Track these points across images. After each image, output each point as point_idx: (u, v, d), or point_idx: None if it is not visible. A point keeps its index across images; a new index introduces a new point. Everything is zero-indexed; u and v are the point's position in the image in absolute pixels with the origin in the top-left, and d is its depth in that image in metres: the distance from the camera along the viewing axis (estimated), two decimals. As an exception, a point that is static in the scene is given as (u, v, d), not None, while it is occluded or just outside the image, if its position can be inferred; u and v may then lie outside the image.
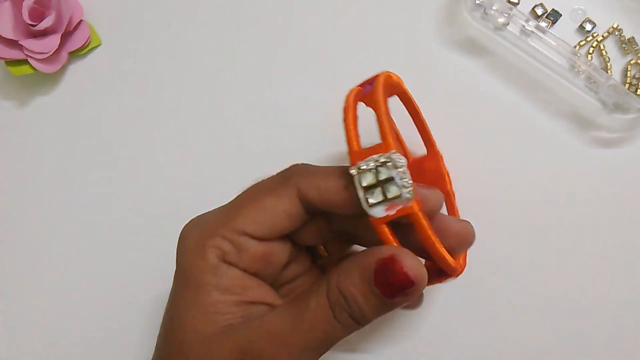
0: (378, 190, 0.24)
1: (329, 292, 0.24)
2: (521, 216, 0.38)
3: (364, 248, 0.27)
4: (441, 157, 0.37)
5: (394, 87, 0.31)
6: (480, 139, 0.39)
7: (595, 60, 0.39)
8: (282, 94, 0.40)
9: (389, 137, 0.25)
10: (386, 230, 0.25)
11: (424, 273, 0.24)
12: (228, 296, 0.25)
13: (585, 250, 0.37)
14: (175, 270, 0.27)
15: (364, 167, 0.25)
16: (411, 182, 0.24)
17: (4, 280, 0.40)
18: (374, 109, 0.26)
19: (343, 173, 0.26)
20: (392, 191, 0.24)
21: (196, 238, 0.26)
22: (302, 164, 0.28)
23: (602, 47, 0.39)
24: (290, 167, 0.28)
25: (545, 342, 0.37)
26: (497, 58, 0.39)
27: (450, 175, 0.37)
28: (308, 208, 0.27)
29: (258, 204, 0.26)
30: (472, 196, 0.37)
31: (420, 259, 0.24)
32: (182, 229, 0.28)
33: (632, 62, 0.38)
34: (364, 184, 0.24)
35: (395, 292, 0.24)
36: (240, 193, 0.28)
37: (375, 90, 0.26)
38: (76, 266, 0.40)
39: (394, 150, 0.24)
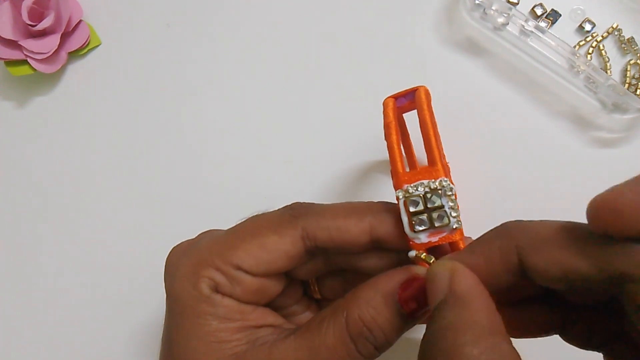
0: (425, 217, 0.24)
1: (349, 326, 0.24)
2: (519, 216, 0.38)
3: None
4: (449, 169, 0.37)
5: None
6: (479, 139, 0.39)
7: (594, 60, 0.39)
8: (282, 96, 0.40)
9: (439, 162, 0.24)
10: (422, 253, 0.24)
11: None
12: (228, 324, 0.25)
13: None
14: (167, 298, 0.26)
15: (412, 191, 0.24)
16: (459, 211, 0.24)
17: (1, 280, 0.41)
18: (421, 131, 0.25)
19: (353, 212, 0.26)
20: (441, 219, 0.24)
21: (188, 267, 0.25)
22: (305, 203, 0.27)
23: (601, 47, 0.39)
24: (293, 206, 0.27)
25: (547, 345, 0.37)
26: (497, 58, 0.39)
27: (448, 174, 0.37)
28: (311, 249, 0.26)
29: (259, 240, 0.25)
30: (470, 195, 0.37)
31: None
32: (170, 254, 0.27)
33: (632, 62, 0.38)
34: (412, 209, 0.24)
35: (421, 308, 0.24)
36: (239, 223, 0.27)
37: (420, 109, 0.25)
38: (72, 266, 0.40)
39: (444, 177, 0.24)
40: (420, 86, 0.27)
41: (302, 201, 0.27)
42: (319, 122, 0.40)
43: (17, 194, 0.41)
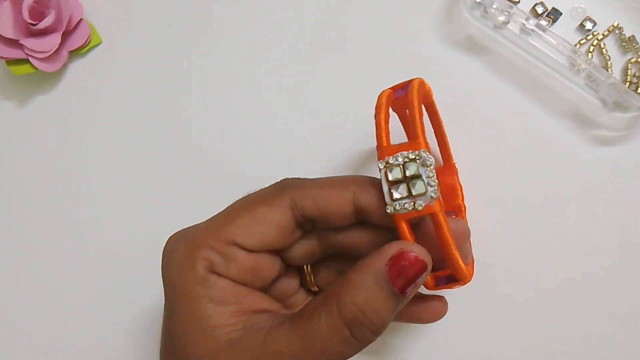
0: (403, 186, 0.25)
1: (343, 312, 0.24)
2: (520, 215, 0.38)
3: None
4: (456, 170, 0.37)
5: (425, 96, 0.31)
6: (479, 137, 0.39)
7: (595, 59, 0.39)
8: (282, 95, 0.40)
9: (421, 135, 0.25)
10: (405, 227, 0.25)
11: (429, 257, 0.25)
12: (223, 307, 0.25)
13: (585, 249, 0.37)
14: (164, 286, 0.26)
15: (392, 161, 0.25)
16: (437, 181, 0.25)
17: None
18: (408, 108, 0.26)
19: (339, 182, 0.26)
20: (418, 188, 0.24)
21: (183, 251, 0.26)
22: (294, 177, 0.28)
23: (602, 46, 0.38)
24: (282, 180, 0.28)
25: (547, 344, 0.37)
26: (497, 57, 0.39)
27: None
28: (300, 221, 0.26)
29: (249, 213, 0.26)
30: (470, 193, 0.37)
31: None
32: (167, 243, 0.28)
33: (633, 60, 0.38)
34: (391, 178, 0.25)
35: (410, 283, 0.24)
36: (230, 204, 0.27)
37: (410, 92, 0.26)
38: (72, 266, 0.40)
39: (425, 149, 0.25)
40: (416, 77, 0.28)
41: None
42: (319, 121, 0.40)
43: (19, 191, 0.41)
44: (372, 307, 0.24)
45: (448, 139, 0.36)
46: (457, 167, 0.37)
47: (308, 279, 0.30)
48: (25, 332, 0.40)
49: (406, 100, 0.27)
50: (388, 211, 0.25)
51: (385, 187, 0.25)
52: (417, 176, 0.25)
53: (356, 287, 0.24)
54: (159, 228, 0.39)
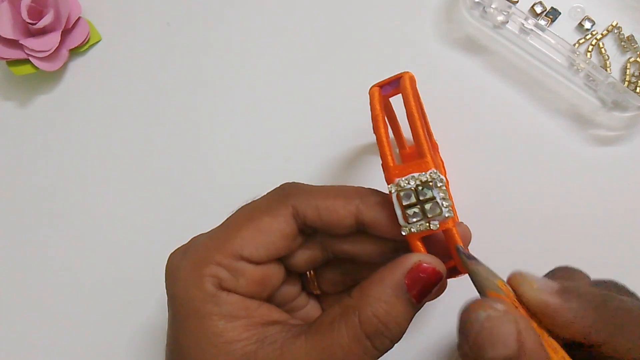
0: (418, 209, 0.25)
1: (363, 325, 0.24)
2: (519, 214, 0.38)
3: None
4: (437, 146, 0.37)
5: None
6: (479, 137, 0.39)
7: (594, 59, 0.39)
8: (281, 93, 0.40)
9: (428, 154, 0.25)
10: (419, 244, 0.25)
11: (443, 267, 0.25)
12: (234, 322, 0.25)
13: (584, 248, 0.38)
14: (171, 303, 0.26)
15: (404, 185, 0.25)
16: (450, 201, 0.25)
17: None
18: (409, 122, 0.25)
19: (342, 194, 0.26)
20: (434, 210, 0.24)
21: (190, 267, 0.26)
22: (295, 182, 0.28)
23: (601, 45, 0.38)
24: (283, 186, 0.28)
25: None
26: (496, 56, 0.39)
27: (447, 171, 0.37)
28: (303, 228, 0.27)
29: (254, 224, 0.26)
30: (470, 194, 0.37)
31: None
32: (169, 259, 0.27)
33: (631, 60, 0.38)
34: (405, 203, 0.25)
35: (427, 293, 0.25)
36: (232, 214, 0.27)
37: (406, 100, 0.26)
38: (74, 266, 0.40)
39: (434, 169, 0.25)
40: (404, 73, 0.27)
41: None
42: (320, 121, 0.40)
43: (21, 193, 0.41)
44: (392, 319, 0.24)
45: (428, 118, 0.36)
46: (437, 143, 0.37)
47: (311, 282, 0.30)
48: (25, 340, 0.40)
49: (396, 92, 0.27)
50: (404, 233, 0.25)
51: (398, 211, 0.25)
52: (431, 199, 0.24)
53: (377, 300, 0.24)
54: (161, 231, 0.39)
